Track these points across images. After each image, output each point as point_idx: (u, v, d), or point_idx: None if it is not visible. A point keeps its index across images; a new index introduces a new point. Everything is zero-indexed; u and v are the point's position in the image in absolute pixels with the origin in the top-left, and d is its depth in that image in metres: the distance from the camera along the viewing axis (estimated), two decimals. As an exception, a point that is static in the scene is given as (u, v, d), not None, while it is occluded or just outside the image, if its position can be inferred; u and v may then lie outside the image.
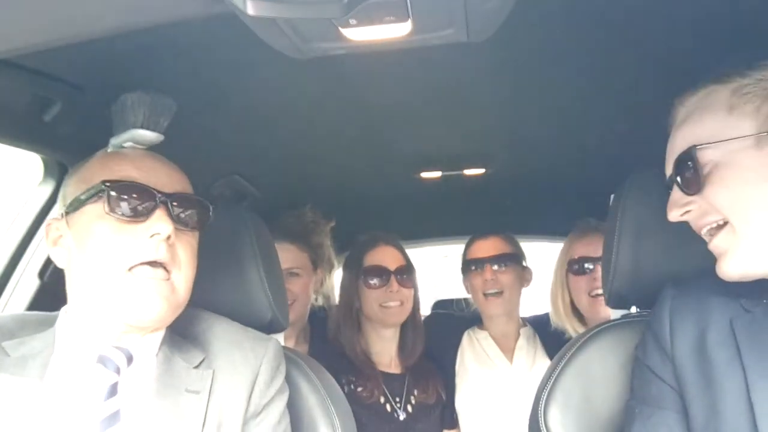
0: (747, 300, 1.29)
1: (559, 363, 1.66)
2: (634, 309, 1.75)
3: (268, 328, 1.71)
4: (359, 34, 1.09)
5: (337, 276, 3.68)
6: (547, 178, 3.15)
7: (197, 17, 1.06)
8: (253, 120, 2.13)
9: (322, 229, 2.96)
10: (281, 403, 1.53)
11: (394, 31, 1.08)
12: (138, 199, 1.36)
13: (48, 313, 1.54)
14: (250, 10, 0.94)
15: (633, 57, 1.74)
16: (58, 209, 1.46)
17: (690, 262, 1.53)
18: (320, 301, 3.06)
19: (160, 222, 1.35)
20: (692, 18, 1.50)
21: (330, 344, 2.76)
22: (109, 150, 1.48)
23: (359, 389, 2.60)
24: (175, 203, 1.40)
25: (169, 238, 1.36)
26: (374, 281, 2.72)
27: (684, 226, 1.55)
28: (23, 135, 1.67)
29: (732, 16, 1.46)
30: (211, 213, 1.50)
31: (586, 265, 2.64)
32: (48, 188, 1.95)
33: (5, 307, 1.92)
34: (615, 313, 1.79)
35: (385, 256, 2.77)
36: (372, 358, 2.74)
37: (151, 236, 1.35)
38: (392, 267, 2.74)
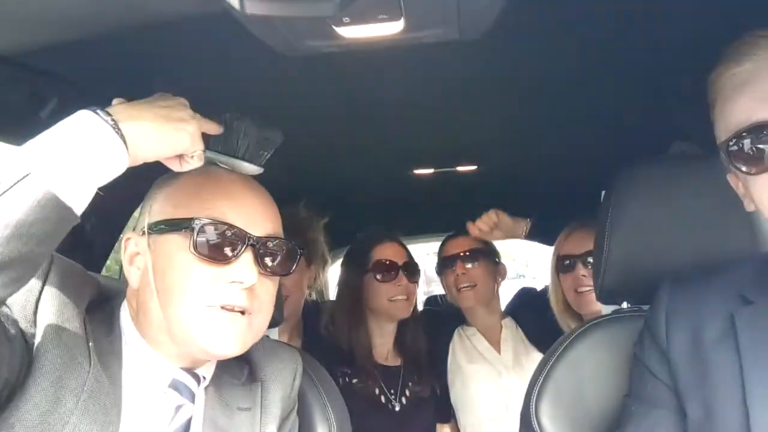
0: (750, 290, 1.26)
1: (551, 358, 1.67)
2: (625, 304, 1.76)
3: (263, 323, 1.71)
4: (353, 32, 1.10)
5: (332, 271, 3.70)
6: (539, 174, 3.17)
7: (193, 15, 1.06)
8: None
9: (316, 225, 2.97)
10: (295, 412, 1.55)
11: (388, 29, 1.10)
12: (226, 242, 1.28)
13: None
14: (245, 8, 0.95)
15: (624, 54, 1.75)
16: (138, 223, 1.39)
17: (681, 257, 1.55)
18: (314, 296, 3.08)
19: (244, 270, 1.28)
20: (685, 16, 1.51)
21: (323, 338, 2.79)
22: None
23: (354, 381, 2.63)
24: (264, 249, 1.33)
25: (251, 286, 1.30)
26: (384, 275, 2.77)
27: (674, 221, 1.57)
28: (19, 131, 1.66)
29: (726, 13, 1.47)
30: (299, 258, 1.44)
31: (571, 263, 2.67)
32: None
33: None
34: (606, 309, 1.80)
35: (393, 252, 2.83)
36: (370, 350, 2.77)
37: (232, 282, 1.28)
38: (400, 262, 2.80)
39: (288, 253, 1.40)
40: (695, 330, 1.29)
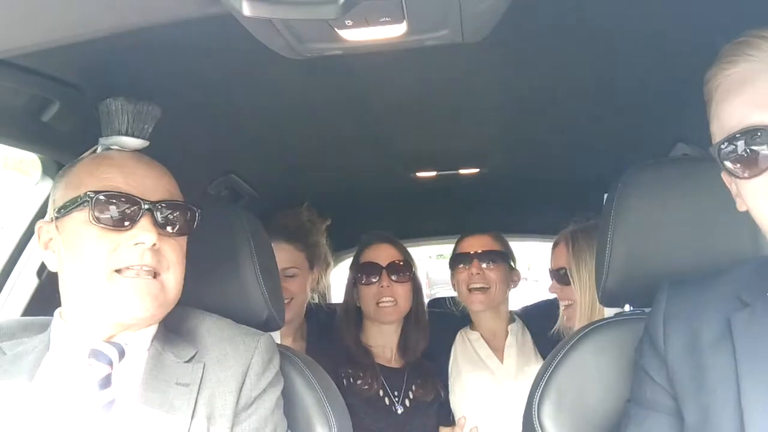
0: (747, 292, 1.25)
1: (553, 361, 1.66)
2: (627, 307, 1.76)
3: (265, 326, 1.71)
4: (355, 35, 1.10)
5: (334, 274, 3.70)
6: (541, 177, 3.16)
7: (194, 17, 1.06)
8: (250, 119, 2.13)
9: (318, 228, 2.97)
10: (274, 395, 1.53)
11: (390, 32, 1.09)
12: (122, 209, 1.38)
13: (48, 318, 1.55)
14: (246, 10, 0.94)
15: (626, 56, 1.74)
16: (48, 212, 1.48)
17: (684, 260, 1.54)
18: (317, 299, 3.08)
19: (144, 232, 1.37)
20: (687, 18, 1.51)
21: (328, 340, 2.79)
22: (99, 150, 1.50)
23: (359, 382, 2.62)
24: (160, 210, 1.42)
25: (154, 245, 1.38)
26: (367, 278, 2.76)
27: (677, 223, 1.57)
28: (21, 134, 1.68)
29: (726, 12, 1.47)
30: (197, 217, 1.50)
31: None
32: (46, 187, 1.95)
33: (3, 307, 1.92)
34: (609, 312, 1.80)
35: (378, 253, 2.80)
36: (372, 351, 2.77)
37: (135, 244, 1.37)
38: (384, 263, 2.77)
39: (185, 214, 1.48)
40: (693, 333, 1.28)
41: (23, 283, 1.96)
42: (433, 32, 1.13)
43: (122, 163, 1.45)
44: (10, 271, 1.94)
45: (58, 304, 1.50)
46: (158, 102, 1.51)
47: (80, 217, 1.38)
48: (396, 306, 2.74)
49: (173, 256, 1.44)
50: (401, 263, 2.80)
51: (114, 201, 1.37)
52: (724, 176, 1.25)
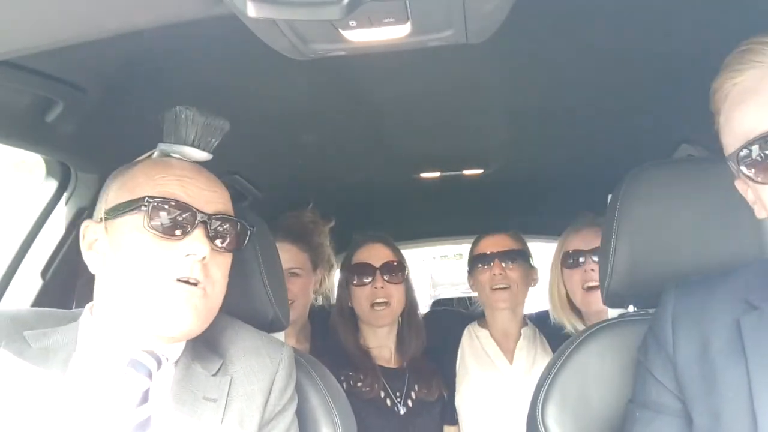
0: (755, 295, 1.25)
1: (557, 361, 1.66)
2: (631, 308, 1.75)
3: (269, 327, 1.71)
4: (359, 36, 1.10)
5: (337, 275, 3.70)
6: (545, 177, 3.16)
7: (198, 18, 1.06)
8: (254, 120, 2.13)
9: (322, 230, 2.97)
10: (291, 411, 1.53)
11: (394, 32, 1.09)
12: (178, 218, 1.36)
13: (68, 311, 1.54)
14: (250, 11, 0.94)
15: (630, 56, 1.74)
16: (96, 212, 1.45)
17: (688, 261, 1.54)
18: (320, 301, 3.08)
19: (197, 242, 1.35)
20: (691, 15, 1.51)
21: (330, 341, 2.78)
22: (155, 155, 1.48)
23: (359, 384, 2.61)
24: (214, 224, 1.40)
25: (204, 258, 1.36)
26: (360, 279, 2.74)
27: (681, 224, 1.56)
28: (25, 135, 1.67)
29: (730, 13, 1.47)
30: (248, 235, 1.50)
31: (579, 259, 2.64)
32: (50, 188, 1.95)
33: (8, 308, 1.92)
34: (612, 312, 1.80)
35: (371, 253, 2.78)
36: (371, 353, 2.75)
37: (187, 255, 1.35)
38: (377, 264, 2.74)
39: (238, 230, 1.47)
40: (702, 336, 1.28)
41: (27, 284, 1.95)
42: (437, 33, 1.13)
43: (182, 172, 1.42)
44: (14, 272, 1.94)
45: (62, 305, 1.49)
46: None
47: (134, 221, 1.36)
48: (389, 308, 2.72)
49: (218, 272, 1.42)
50: (395, 264, 2.78)
51: (169, 209, 1.35)
52: (739, 185, 1.25)
